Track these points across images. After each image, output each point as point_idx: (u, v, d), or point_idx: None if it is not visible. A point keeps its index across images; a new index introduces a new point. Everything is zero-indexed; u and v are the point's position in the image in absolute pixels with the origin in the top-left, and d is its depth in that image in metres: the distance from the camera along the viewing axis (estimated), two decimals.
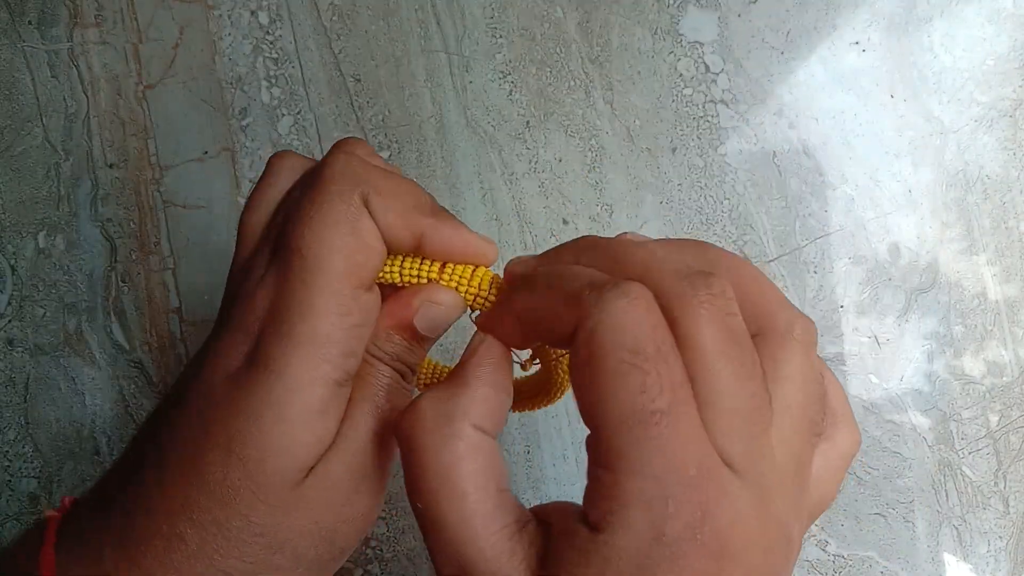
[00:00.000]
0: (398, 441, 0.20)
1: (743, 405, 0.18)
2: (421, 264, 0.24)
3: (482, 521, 0.18)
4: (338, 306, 0.21)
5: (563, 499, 0.40)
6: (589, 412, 0.18)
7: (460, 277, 0.24)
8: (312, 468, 0.21)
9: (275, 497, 0.20)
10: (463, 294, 0.24)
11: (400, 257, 0.24)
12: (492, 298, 0.24)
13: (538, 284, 0.20)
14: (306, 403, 0.21)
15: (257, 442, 0.20)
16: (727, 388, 0.17)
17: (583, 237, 0.22)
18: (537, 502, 0.40)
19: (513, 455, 0.40)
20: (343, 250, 0.21)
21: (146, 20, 0.42)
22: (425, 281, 0.24)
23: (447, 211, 0.24)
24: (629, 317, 0.17)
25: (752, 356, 0.18)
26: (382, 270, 0.24)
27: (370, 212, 0.22)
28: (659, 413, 0.17)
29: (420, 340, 0.23)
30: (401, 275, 0.24)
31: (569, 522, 0.18)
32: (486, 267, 0.24)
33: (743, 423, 0.17)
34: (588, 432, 0.18)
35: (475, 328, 0.23)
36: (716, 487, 0.17)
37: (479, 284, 0.24)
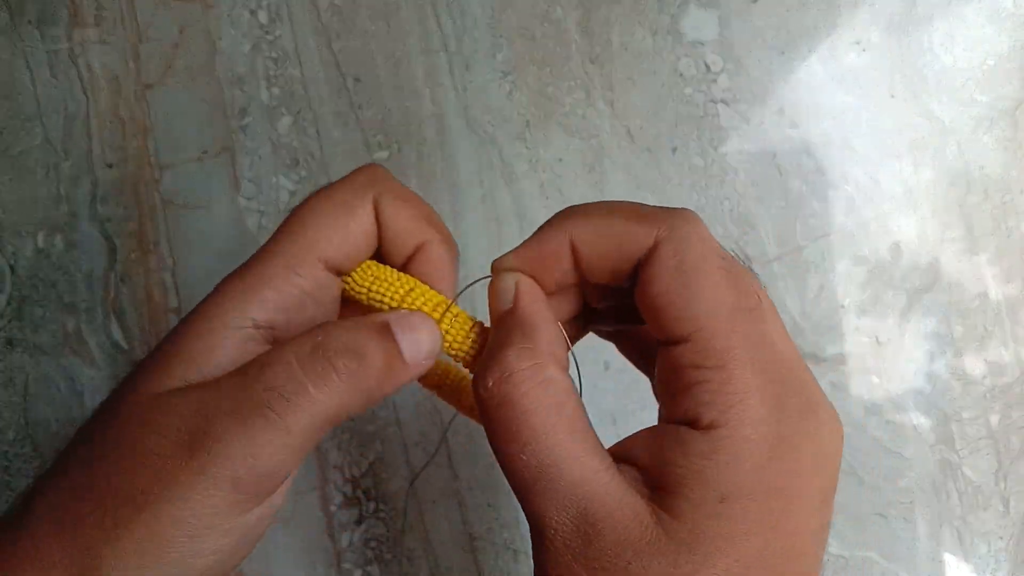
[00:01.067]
0: (485, 401, 0.19)
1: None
2: (396, 279, 0.23)
3: (596, 456, 0.19)
4: (292, 260, 0.22)
5: None
6: (684, 316, 0.19)
7: (423, 302, 0.23)
8: (185, 391, 0.21)
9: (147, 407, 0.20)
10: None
11: (376, 267, 0.23)
12: (454, 332, 0.23)
13: (597, 213, 0.21)
14: (213, 323, 0.21)
15: (171, 337, 0.21)
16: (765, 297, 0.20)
17: (557, 214, 0.22)
18: None
19: None
20: (325, 224, 0.22)
21: (146, 20, 0.42)
22: (388, 301, 0.23)
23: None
24: (707, 230, 0.20)
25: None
26: (351, 281, 0.23)
27: (378, 211, 0.23)
28: (755, 310, 0.19)
29: (391, 341, 0.21)
30: (368, 289, 0.23)
31: (665, 440, 0.19)
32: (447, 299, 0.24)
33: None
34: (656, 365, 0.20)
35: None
36: (807, 370, 0.19)
37: (441, 313, 0.23)
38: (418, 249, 0.24)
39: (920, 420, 0.40)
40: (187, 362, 0.21)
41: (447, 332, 0.23)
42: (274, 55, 0.42)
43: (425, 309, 0.23)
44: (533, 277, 0.22)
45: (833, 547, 0.40)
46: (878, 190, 0.41)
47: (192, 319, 0.21)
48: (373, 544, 0.40)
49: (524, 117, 0.41)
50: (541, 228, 0.22)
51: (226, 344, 0.21)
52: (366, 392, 0.21)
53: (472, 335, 0.23)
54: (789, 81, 0.41)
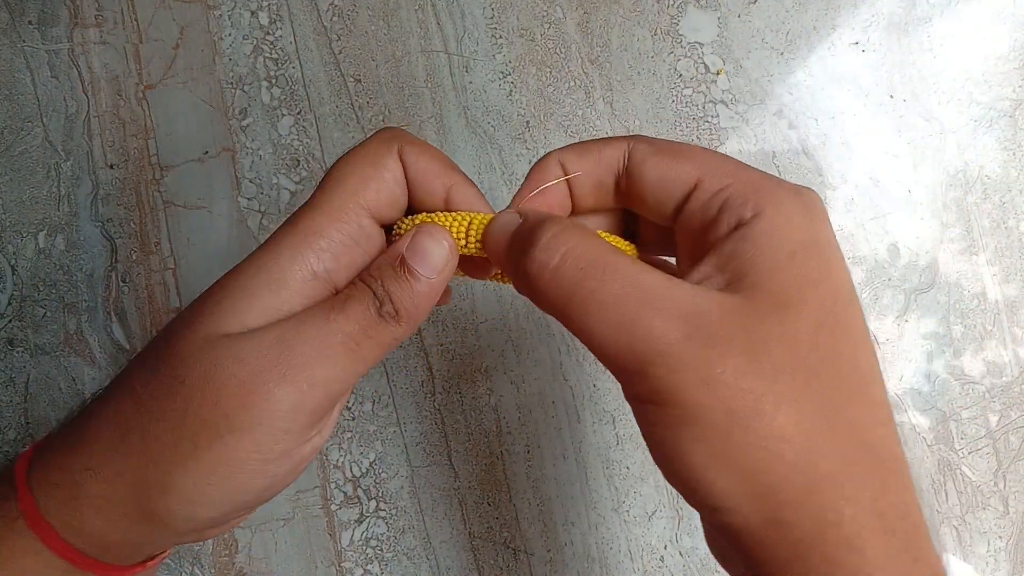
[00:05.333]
0: (544, 271, 0.21)
1: None
2: (445, 217, 0.25)
3: (665, 273, 0.21)
4: (338, 211, 0.24)
5: (563, 499, 0.41)
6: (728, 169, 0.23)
7: (478, 230, 0.25)
8: (255, 331, 0.23)
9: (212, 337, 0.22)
10: (471, 244, 0.25)
11: (423, 216, 0.26)
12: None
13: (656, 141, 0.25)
14: (273, 273, 0.23)
15: (222, 287, 0.23)
16: None
17: (545, 157, 0.26)
18: (537, 502, 0.40)
19: (513, 455, 0.40)
20: (360, 175, 0.24)
21: (146, 20, 0.42)
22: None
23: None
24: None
25: None
26: (400, 224, 0.26)
27: (404, 161, 0.25)
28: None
29: (410, 273, 0.24)
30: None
31: (718, 248, 0.22)
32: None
33: None
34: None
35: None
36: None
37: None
38: (448, 192, 0.26)
39: (919, 420, 0.40)
40: (255, 309, 0.23)
41: (474, 241, 0.25)
42: (275, 56, 0.42)
43: (472, 230, 0.25)
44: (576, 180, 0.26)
45: None
46: (877, 190, 0.41)
47: (246, 269, 0.23)
48: (374, 543, 0.40)
49: (524, 117, 0.41)
50: (535, 167, 0.26)
51: (290, 291, 0.23)
52: (416, 319, 0.24)
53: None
54: (788, 82, 0.41)
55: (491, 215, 0.25)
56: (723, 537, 0.20)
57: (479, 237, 0.25)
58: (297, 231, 0.24)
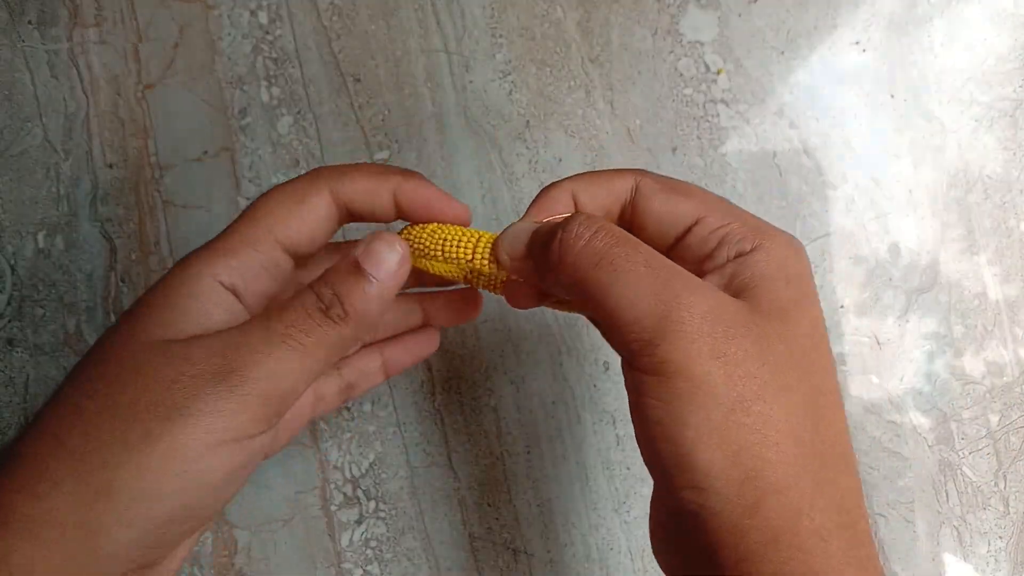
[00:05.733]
0: (576, 258, 0.23)
1: None
2: (454, 230, 0.27)
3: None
4: (252, 239, 0.25)
5: (563, 500, 0.41)
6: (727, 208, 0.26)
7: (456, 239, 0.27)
8: (201, 337, 0.24)
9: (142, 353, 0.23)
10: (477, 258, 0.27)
11: (410, 228, 0.27)
12: (486, 264, 0.27)
13: (585, 173, 0.28)
14: (190, 284, 0.24)
15: (148, 301, 0.24)
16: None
17: (560, 181, 0.28)
18: (537, 502, 0.40)
19: (513, 455, 0.40)
20: (281, 211, 0.26)
21: (146, 20, 0.42)
22: (452, 252, 0.27)
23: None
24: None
25: None
26: (409, 235, 0.27)
27: (337, 193, 0.26)
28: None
29: (362, 275, 0.25)
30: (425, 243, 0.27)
31: (731, 267, 0.24)
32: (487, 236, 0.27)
33: None
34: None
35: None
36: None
37: (473, 249, 0.27)
38: (396, 195, 0.27)
39: (920, 420, 0.40)
40: (181, 313, 0.24)
41: (481, 256, 0.27)
42: (274, 55, 0.42)
43: (463, 242, 0.27)
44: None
45: None
46: (877, 190, 0.41)
47: (167, 281, 0.25)
48: (373, 544, 0.40)
49: (524, 117, 0.41)
50: (544, 191, 0.27)
51: (209, 298, 0.24)
52: (367, 320, 0.25)
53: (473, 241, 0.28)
54: (789, 81, 0.41)
55: (467, 232, 0.27)
56: (688, 522, 0.21)
57: (486, 252, 0.27)
58: (210, 249, 0.25)
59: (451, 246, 0.27)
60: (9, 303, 0.41)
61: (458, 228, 0.27)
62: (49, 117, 0.42)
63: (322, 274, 0.25)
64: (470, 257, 0.27)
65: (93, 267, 0.41)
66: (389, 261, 0.25)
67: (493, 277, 0.27)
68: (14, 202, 0.41)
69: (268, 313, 0.24)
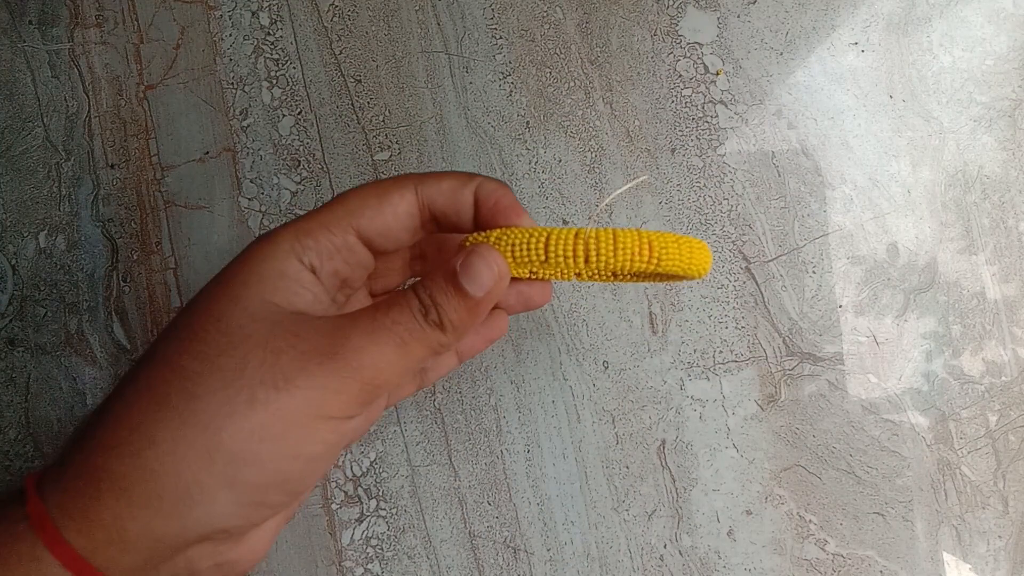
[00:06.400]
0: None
1: None
2: (522, 233, 0.27)
3: None
4: (329, 222, 0.26)
5: (563, 498, 0.41)
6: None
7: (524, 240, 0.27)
8: (308, 315, 0.24)
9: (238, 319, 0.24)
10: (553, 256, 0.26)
11: (484, 234, 0.27)
12: (557, 249, 0.26)
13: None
14: (276, 262, 0.25)
15: (237, 273, 0.25)
16: None
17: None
18: (537, 501, 0.40)
19: (513, 454, 0.40)
20: (359, 200, 0.27)
21: (147, 20, 0.42)
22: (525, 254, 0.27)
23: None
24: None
25: None
26: (474, 237, 0.27)
27: (421, 192, 0.27)
28: None
29: (458, 288, 0.25)
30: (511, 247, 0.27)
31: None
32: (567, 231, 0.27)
33: None
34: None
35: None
36: None
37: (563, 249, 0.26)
38: (477, 199, 0.27)
39: (918, 419, 0.41)
40: (273, 289, 0.24)
41: (553, 251, 0.26)
42: (275, 56, 0.42)
43: (531, 244, 0.27)
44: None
45: (831, 546, 0.40)
46: (876, 190, 0.41)
47: (254, 257, 0.25)
48: (374, 542, 0.40)
49: (524, 118, 0.42)
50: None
51: (296, 278, 0.25)
52: (461, 330, 0.25)
53: (576, 241, 0.27)
54: (787, 82, 0.41)
55: (571, 229, 0.26)
56: None
57: (560, 250, 0.26)
58: (292, 230, 0.26)
59: (521, 251, 0.27)
60: (10, 303, 0.41)
61: (524, 230, 0.27)
62: (50, 117, 0.42)
63: (424, 278, 0.26)
64: (543, 259, 0.26)
65: (95, 267, 0.41)
66: (485, 278, 0.25)
67: (565, 271, 0.27)
68: (16, 202, 0.41)
69: (376, 306, 0.25)
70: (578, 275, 0.27)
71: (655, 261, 0.26)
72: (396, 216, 0.27)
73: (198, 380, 0.22)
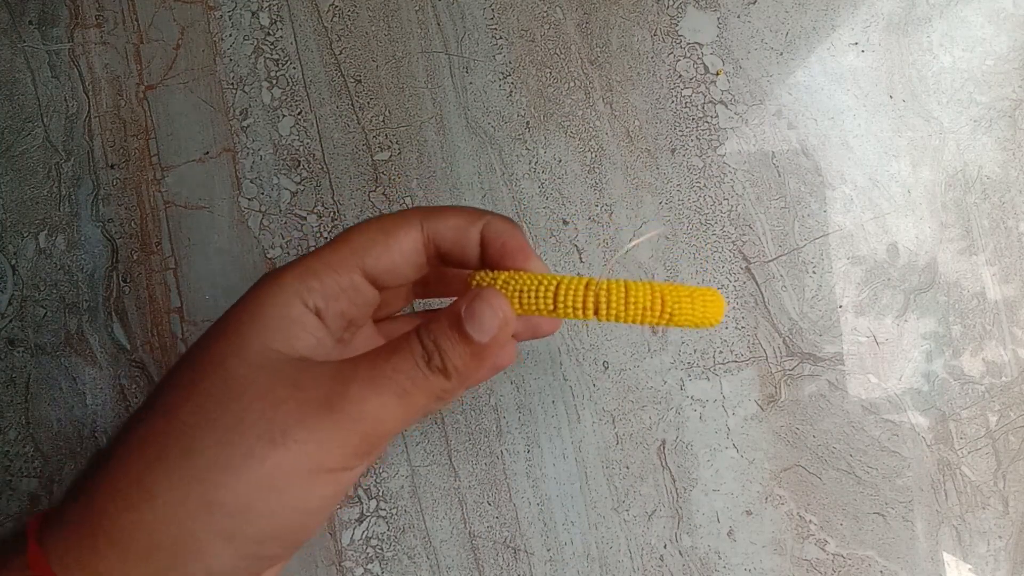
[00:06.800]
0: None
1: None
2: (531, 278, 0.26)
3: None
4: (335, 262, 0.26)
5: (563, 498, 0.41)
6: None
7: (564, 298, 0.26)
8: (309, 362, 0.24)
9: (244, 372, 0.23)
10: (562, 306, 0.26)
11: (485, 274, 0.27)
12: (567, 297, 0.26)
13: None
14: (279, 307, 0.25)
15: (238, 317, 0.24)
16: None
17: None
18: (537, 501, 0.40)
19: (513, 454, 0.40)
20: (366, 238, 0.26)
21: (147, 21, 0.42)
22: (529, 299, 0.26)
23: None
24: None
25: None
26: (481, 276, 0.27)
27: (428, 228, 0.27)
28: None
29: (462, 334, 0.24)
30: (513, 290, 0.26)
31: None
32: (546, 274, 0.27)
33: None
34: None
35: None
36: None
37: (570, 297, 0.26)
38: (484, 239, 0.27)
39: (918, 419, 0.40)
40: (275, 333, 0.24)
41: (562, 301, 0.26)
42: (275, 56, 0.42)
43: (540, 292, 0.26)
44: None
45: (831, 546, 0.40)
46: (876, 190, 0.41)
47: (258, 299, 0.25)
48: (374, 542, 0.40)
49: (524, 118, 0.42)
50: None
51: (299, 321, 0.25)
52: (465, 376, 0.25)
53: (587, 293, 0.26)
54: (787, 82, 0.41)
55: (582, 279, 0.26)
56: None
57: (570, 301, 0.26)
58: (296, 270, 0.25)
59: (529, 298, 0.26)
60: (10, 303, 0.41)
61: (533, 276, 0.26)
62: (50, 117, 0.42)
63: (427, 321, 0.25)
64: (552, 308, 0.26)
65: (94, 267, 0.41)
66: (490, 324, 0.24)
67: (575, 319, 0.27)
68: (15, 202, 0.41)
69: (377, 352, 0.24)
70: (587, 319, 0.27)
71: (667, 316, 0.26)
72: (403, 254, 0.26)
73: (196, 434, 0.22)
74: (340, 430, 0.23)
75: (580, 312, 0.26)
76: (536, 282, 0.26)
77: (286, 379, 0.23)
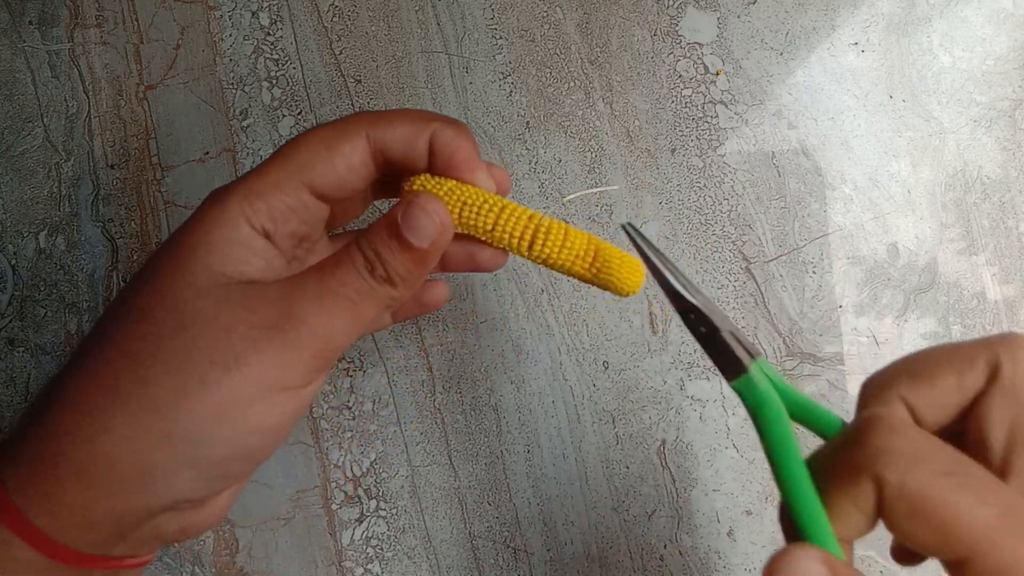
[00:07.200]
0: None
1: None
2: (466, 190, 0.26)
3: None
4: (280, 181, 0.25)
5: (563, 499, 0.41)
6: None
7: (505, 223, 0.26)
8: (257, 284, 0.24)
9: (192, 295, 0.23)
10: (503, 238, 0.26)
11: (427, 179, 0.26)
12: (504, 222, 0.26)
13: (936, 354, 0.23)
14: (226, 229, 0.24)
15: (185, 241, 0.24)
16: None
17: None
18: (537, 502, 0.40)
19: (513, 454, 0.40)
20: (309, 154, 0.25)
21: (147, 21, 0.42)
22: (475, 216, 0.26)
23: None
24: None
25: None
26: (416, 181, 0.26)
27: (374, 139, 0.26)
28: None
29: (401, 241, 0.24)
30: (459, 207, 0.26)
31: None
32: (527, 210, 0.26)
33: None
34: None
35: None
36: None
37: (510, 224, 0.26)
38: (432, 148, 0.26)
39: None
40: (222, 257, 0.24)
41: (502, 225, 0.26)
42: (275, 56, 0.42)
43: (483, 212, 0.26)
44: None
45: None
46: (876, 190, 0.41)
47: (203, 222, 0.24)
48: (374, 542, 0.40)
49: (524, 118, 0.42)
50: (866, 403, 0.24)
51: (247, 244, 0.24)
52: (411, 282, 0.25)
53: (528, 223, 0.26)
54: (787, 82, 0.41)
55: (527, 209, 0.26)
56: None
57: (509, 227, 0.26)
58: (241, 190, 0.25)
59: (470, 212, 0.26)
60: (10, 303, 0.41)
61: (480, 193, 0.26)
62: (50, 117, 0.42)
63: (366, 230, 0.25)
64: (490, 228, 0.26)
65: (95, 267, 0.41)
66: (428, 229, 0.24)
67: (507, 247, 0.27)
68: (15, 202, 0.41)
69: (322, 266, 0.24)
70: (518, 254, 0.27)
71: (595, 270, 0.26)
72: (349, 167, 0.26)
73: (148, 364, 0.22)
74: (293, 349, 0.23)
75: (516, 241, 0.26)
76: (482, 199, 0.26)
77: (235, 303, 0.23)
